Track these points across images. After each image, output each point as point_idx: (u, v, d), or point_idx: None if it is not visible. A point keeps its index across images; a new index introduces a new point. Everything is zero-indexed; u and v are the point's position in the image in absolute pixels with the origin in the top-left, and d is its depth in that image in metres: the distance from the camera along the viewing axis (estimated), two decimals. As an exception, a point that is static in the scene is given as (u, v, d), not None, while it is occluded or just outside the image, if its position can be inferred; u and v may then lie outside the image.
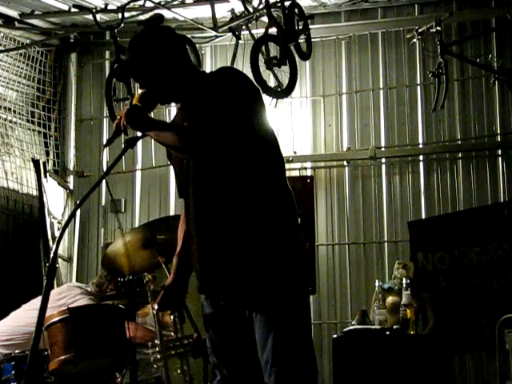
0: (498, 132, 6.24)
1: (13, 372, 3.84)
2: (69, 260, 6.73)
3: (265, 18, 5.72)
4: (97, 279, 4.84)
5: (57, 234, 6.65)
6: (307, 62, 6.36)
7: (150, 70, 2.90)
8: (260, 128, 2.88)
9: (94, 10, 5.99)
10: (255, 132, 2.84)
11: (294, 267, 2.82)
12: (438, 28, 5.69)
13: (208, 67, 6.70)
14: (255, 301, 2.81)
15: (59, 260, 6.55)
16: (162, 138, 2.83)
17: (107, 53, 7.05)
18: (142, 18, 6.12)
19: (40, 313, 2.51)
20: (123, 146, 2.87)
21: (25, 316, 4.43)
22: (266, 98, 5.93)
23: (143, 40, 2.96)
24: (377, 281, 5.62)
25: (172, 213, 6.56)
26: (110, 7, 6.22)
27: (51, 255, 2.57)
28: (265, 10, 5.63)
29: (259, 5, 5.75)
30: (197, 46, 6.00)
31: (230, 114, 2.75)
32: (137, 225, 6.56)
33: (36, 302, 4.52)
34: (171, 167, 3.26)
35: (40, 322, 2.51)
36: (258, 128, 2.86)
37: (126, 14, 5.82)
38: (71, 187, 6.90)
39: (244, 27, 5.95)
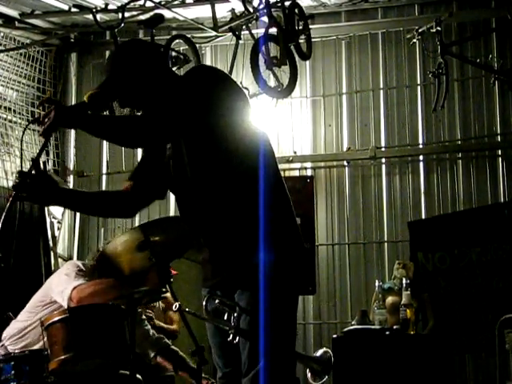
0: (498, 132, 6.24)
1: (12, 372, 3.84)
2: (69, 260, 6.72)
3: (265, 18, 5.72)
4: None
5: (57, 233, 6.67)
6: (307, 62, 6.36)
7: (131, 87, 2.90)
8: (230, 123, 2.84)
9: (94, 10, 6.00)
10: (225, 127, 2.83)
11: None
12: (438, 28, 5.70)
13: (208, 67, 6.69)
14: (243, 279, 2.84)
15: (59, 260, 6.54)
16: (98, 132, 2.82)
17: (107, 53, 7.02)
18: (142, 17, 6.13)
19: None
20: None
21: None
22: (259, 98, 5.97)
23: (118, 60, 2.96)
24: (377, 281, 5.62)
25: (172, 213, 6.56)
26: (110, 7, 6.23)
27: None
28: (265, 10, 5.64)
29: (259, 5, 5.76)
30: (197, 46, 6.00)
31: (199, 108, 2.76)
32: (136, 225, 6.53)
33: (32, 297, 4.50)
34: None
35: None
36: (227, 124, 2.84)
37: (127, 14, 5.82)
38: (71, 187, 6.89)
39: (244, 27, 5.95)
